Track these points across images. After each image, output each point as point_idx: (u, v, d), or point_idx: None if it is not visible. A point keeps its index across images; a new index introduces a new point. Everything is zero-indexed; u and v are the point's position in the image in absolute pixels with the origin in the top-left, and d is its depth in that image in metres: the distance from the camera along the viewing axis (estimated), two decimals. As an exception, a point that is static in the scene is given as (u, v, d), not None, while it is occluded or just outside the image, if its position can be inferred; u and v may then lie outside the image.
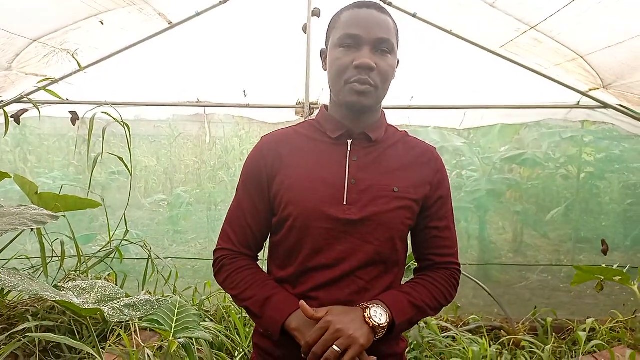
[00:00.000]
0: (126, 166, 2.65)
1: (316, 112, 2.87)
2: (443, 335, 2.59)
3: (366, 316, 1.00)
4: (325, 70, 1.15)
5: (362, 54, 1.04)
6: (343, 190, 1.08)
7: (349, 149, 1.12)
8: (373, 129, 1.14)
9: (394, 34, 1.09)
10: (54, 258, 2.64)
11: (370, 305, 1.03)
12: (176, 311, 1.90)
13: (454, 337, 2.60)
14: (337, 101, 1.13)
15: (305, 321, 1.02)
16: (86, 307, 1.42)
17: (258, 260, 1.23)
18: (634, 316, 2.82)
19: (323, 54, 1.17)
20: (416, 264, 1.27)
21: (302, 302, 1.01)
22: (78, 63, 2.62)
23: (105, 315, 1.39)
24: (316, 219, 1.08)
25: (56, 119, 3.47)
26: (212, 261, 1.22)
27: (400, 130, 1.22)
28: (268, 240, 1.23)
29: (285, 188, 1.11)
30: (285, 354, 1.11)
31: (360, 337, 0.97)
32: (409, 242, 1.23)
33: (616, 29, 2.04)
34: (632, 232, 3.35)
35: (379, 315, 1.01)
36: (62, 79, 2.83)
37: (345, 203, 1.08)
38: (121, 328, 2.28)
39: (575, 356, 2.44)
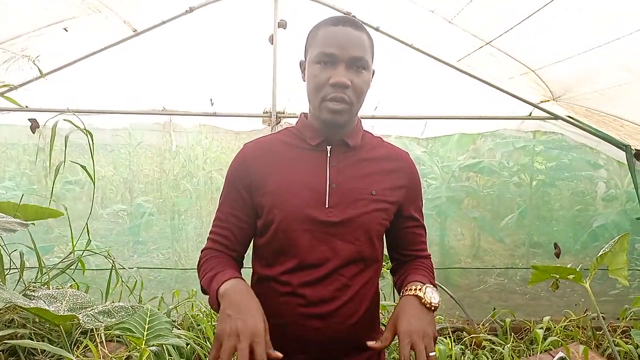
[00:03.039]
0: (89, 175, 2.60)
1: (283, 120, 2.92)
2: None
3: (425, 302, 1.05)
4: (304, 81, 1.19)
5: (337, 71, 1.08)
6: (325, 194, 1.13)
7: (328, 154, 1.17)
8: (351, 135, 1.19)
9: (368, 50, 1.12)
10: (11, 270, 2.55)
11: (420, 287, 1.08)
12: (147, 319, 1.88)
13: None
14: (315, 114, 1.17)
15: (232, 290, 1.02)
16: (60, 314, 1.40)
17: (243, 260, 1.26)
18: (585, 315, 3.00)
19: (302, 65, 1.21)
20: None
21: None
22: (39, 69, 2.56)
23: (81, 322, 1.37)
24: (300, 222, 1.12)
25: (12, 127, 3.36)
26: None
27: (375, 136, 1.28)
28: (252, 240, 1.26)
29: (269, 193, 1.15)
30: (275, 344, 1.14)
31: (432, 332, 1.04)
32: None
33: (564, 45, 2.17)
34: (581, 237, 3.56)
35: (434, 295, 1.07)
36: (21, 85, 2.75)
37: (327, 206, 1.13)
38: (86, 339, 2.23)
39: (533, 354, 2.56)
